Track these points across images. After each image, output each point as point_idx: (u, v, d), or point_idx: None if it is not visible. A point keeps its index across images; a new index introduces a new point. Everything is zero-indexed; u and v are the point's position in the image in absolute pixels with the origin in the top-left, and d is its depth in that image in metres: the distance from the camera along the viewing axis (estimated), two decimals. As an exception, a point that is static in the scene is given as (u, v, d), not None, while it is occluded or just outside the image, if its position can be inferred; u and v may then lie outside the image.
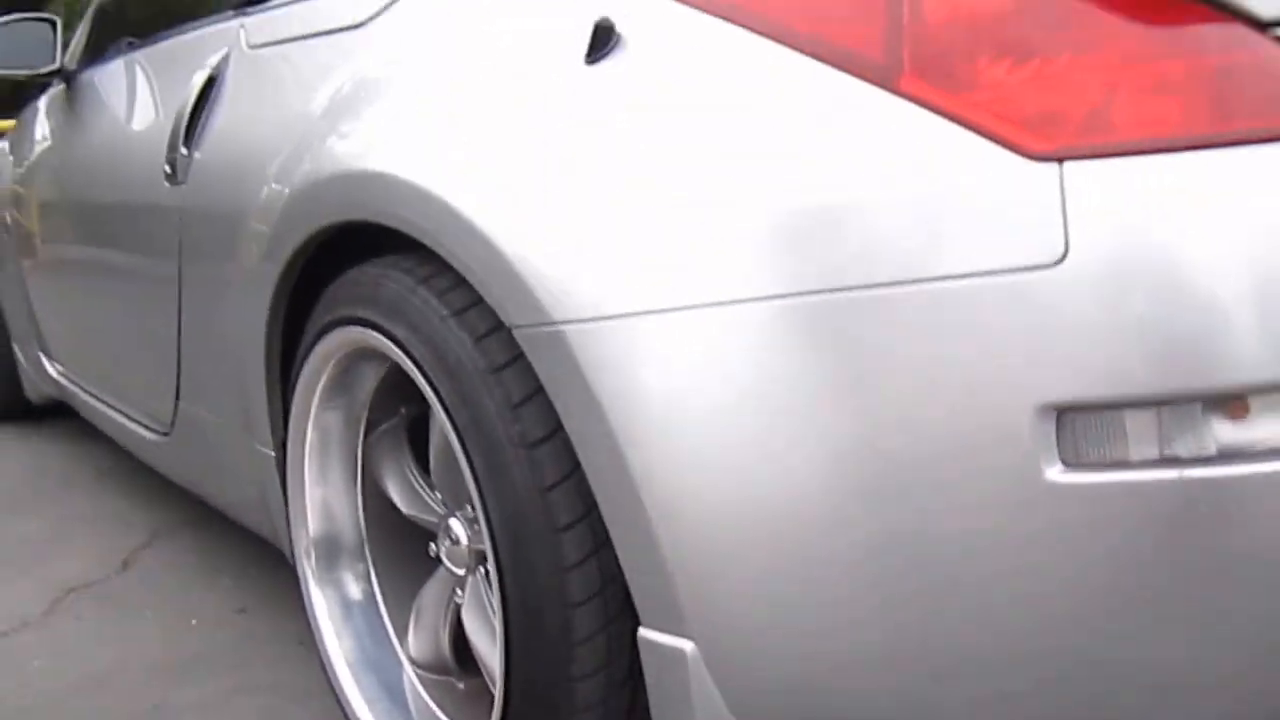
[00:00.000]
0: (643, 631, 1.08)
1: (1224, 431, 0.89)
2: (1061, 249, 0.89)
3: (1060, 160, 0.90)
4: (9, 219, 3.09)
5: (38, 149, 2.91)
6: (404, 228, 1.24)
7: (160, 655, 1.89)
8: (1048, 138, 0.91)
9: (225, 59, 1.87)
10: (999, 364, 0.91)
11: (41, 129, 2.93)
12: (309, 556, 1.53)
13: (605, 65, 1.14)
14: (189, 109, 1.88)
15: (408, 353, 1.23)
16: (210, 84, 1.87)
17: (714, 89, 1.07)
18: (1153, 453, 0.90)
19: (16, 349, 3.22)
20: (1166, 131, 0.91)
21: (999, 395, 0.91)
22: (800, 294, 0.97)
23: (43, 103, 2.98)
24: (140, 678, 1.82)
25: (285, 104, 1.64)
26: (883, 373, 0.94)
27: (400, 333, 1.24)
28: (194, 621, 2.02)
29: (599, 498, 1.07)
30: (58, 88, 2.83)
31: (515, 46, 1.27)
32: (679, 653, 1.05)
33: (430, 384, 1.20)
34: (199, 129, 1.86)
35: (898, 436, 0.94)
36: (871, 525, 0.95)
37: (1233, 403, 0.89)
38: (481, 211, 1.14)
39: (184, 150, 1.87)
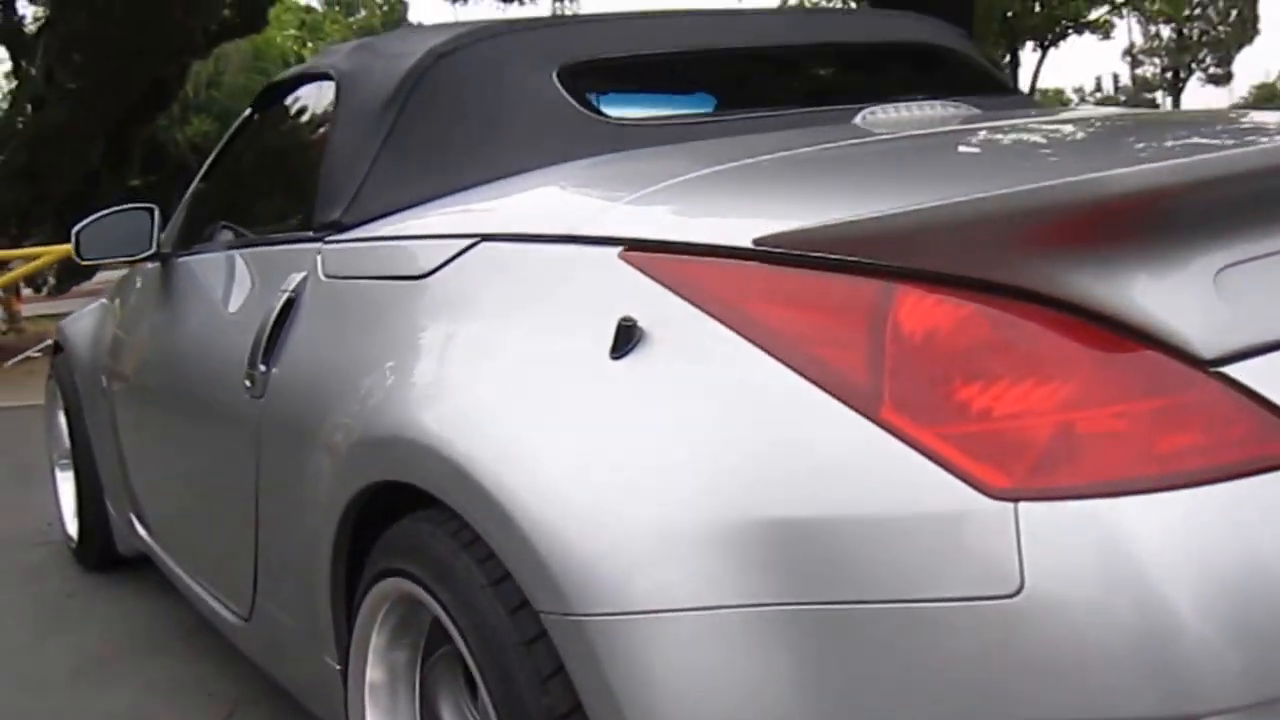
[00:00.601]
0: None
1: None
2: (1017, 583, 0.99)
3: (1016, 500, 1.00)
4: (105, 381, 3.30)
5: (134, 319, 3.13)
6: (446, 500, 1.37)
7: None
8: (1005, 476, 1.01)
9: (303, 283, 2.04)
10: (966, 683, 1.00)
11: (140, 300, 3.15)
12: None
13: (627, 361, 1.27)
14: (269, 327, 2.05)
15: (450, 616, 1.36)
16: (289, 305, 2.04)
17: (722, 395, 1.19)
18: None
19: (109, 504, 3.42)
20: (1114, 473, 1.00)
21: (967, 711, 1.00)
22: (784, 605, 1.08)
23: (144, 270, 3.20)
24: None
25: (351, 343, 1.79)
26: (857, 684, 1.04)
27: (444, 596, 1.37)
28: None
29: None
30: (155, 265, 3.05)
31: (551, 332, 1.41)
32: None
33: (469, 649, 1.32)
34: (277, 348, 2.03)
35: None
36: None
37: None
38: (514, 498, 1.26)
39: (262, 367, 2.03)
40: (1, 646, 3.17)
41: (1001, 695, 0.99)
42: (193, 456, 2.49)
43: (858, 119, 1.95)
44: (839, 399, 1.10)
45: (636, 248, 1.38)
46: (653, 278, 1.32)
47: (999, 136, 1.78)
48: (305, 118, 2.44)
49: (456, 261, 1.65)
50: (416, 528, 1.46)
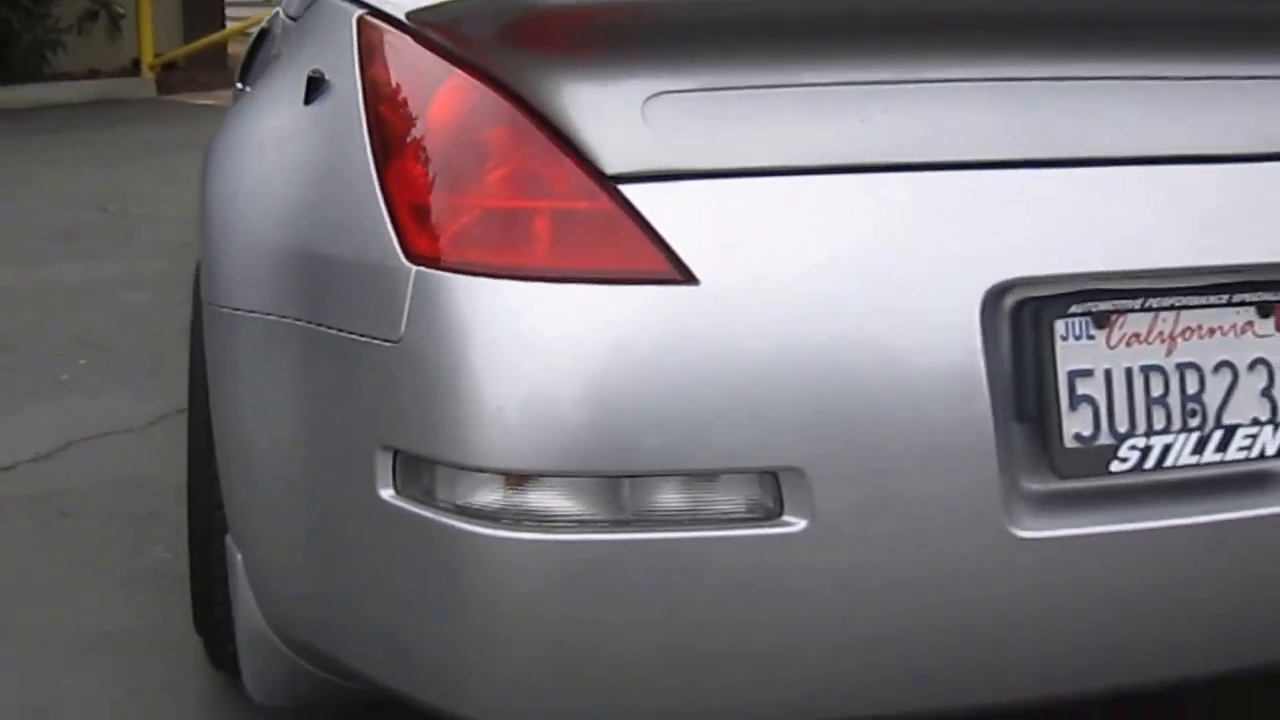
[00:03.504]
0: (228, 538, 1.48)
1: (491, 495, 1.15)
2: (402, 330, 1.17)
3: (417, 264, 1.16)
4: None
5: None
6: None
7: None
8: (420, 244, 1.17)
9: (275, 18, 2.31)
10: (356, 405, 1.21)
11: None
12: None
13: (310, 108, 1.44)
14: (246, 53, 2.35)
15: None
16: (262, 35, 2.33)
17: (329, 142, 1.36)
18: (449, 497, 1.16)
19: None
20: (500, 258, 1.14)
21: (353, 429, 1.22)
22: (293, 320, 1.31)
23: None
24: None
25: (260, 77, 2.06)
26: (328, 393, 1.26)
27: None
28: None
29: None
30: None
31: (303, 71, 1.59)
32: (234, 559, 1.44)
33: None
34: (252, 70, 2.33)
35: (274, 441, 1.28)
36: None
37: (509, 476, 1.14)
38: (208, 200, 1.52)
39: (240, 85, 2.35)
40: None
41: (374, 421, 1.19)
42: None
43: None
44: (374, 156, 1.25)
45: (370, 13, 1.53)
46: (356, 38, 1.46)
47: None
48: None
49: (310, 8, 1.86)
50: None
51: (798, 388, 1.11)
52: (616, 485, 1.13)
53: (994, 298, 1.17)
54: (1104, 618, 1.21)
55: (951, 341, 1.14)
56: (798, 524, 1.13)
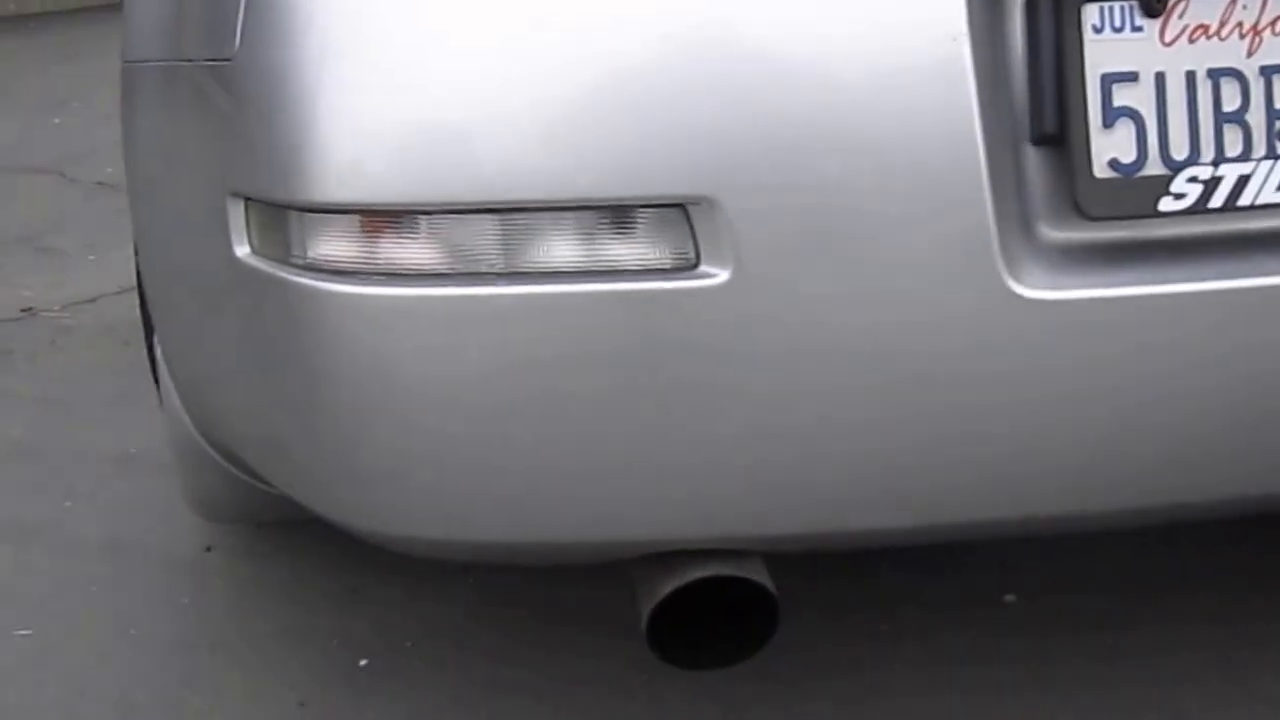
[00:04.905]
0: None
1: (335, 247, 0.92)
2: (236, 44, 0.95)
3: None
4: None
5: None
6: None
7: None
8: None
9: None
10: (207, 148, 1.02)
11: None
12: None
13: None
14: None
15: None
16: None
17: None
18: (302, 250, 0.95)
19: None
20: None
21: (208, 178, 1.02)
22: (164, 60, 1.13)
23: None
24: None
25: None
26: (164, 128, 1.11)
27: None
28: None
29: None
30: None
31: None
32: (158, 354, 1.29)
33: None
34: None
35: (162, 207, 1.13)
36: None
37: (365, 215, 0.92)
38: None
39: None
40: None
41: (234, 165, 0.98)
42: None
43: None
44: None
45: None
46: None
47: None
48: None
49: None
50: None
51: (705, 90, 0.84)
52: (485, 227, 0.89)
53: None
54: (1149, 412, 0.91)
55: (921, 31, 0.84)
56: (718, 276, 0.87)
